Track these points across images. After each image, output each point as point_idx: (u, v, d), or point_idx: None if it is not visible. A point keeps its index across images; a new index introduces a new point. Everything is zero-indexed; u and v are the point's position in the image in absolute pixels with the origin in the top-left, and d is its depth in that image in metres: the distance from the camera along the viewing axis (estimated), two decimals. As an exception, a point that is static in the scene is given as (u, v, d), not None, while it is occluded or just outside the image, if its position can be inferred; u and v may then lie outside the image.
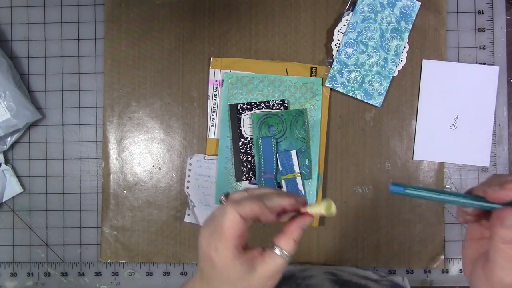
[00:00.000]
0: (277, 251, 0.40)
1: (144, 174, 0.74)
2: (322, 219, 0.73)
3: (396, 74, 0.72)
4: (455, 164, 0.74)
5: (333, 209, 0.42)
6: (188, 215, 0.74)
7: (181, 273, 0.75)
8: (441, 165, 0.73)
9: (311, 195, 0.71)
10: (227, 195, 0.43)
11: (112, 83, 0.75)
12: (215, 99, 0.73)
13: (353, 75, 0.72)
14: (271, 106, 0.72)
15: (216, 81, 0.73)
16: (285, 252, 0.40)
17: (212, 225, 0.40)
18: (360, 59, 0.72)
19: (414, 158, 0.73)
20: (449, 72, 0.73)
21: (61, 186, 0.75)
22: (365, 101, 0.72)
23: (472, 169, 0.74)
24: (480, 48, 0.74)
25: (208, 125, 0.74)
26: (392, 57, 0.72)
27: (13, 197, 0.75)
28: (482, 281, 0.37)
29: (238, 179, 0.72)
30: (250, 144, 0.72)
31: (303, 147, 0.71)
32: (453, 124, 0.73)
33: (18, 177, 0.75)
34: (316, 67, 0.73)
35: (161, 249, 0.74)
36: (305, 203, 0.43)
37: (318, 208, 0.42)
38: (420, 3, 0.71)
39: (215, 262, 0.39)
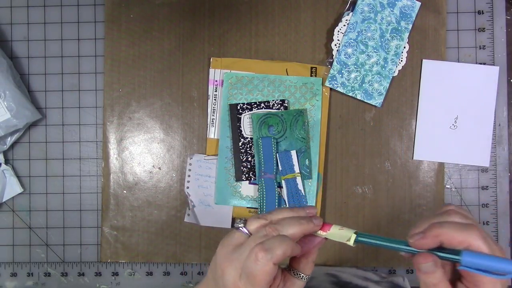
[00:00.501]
0: (298, 275, 0.41)
1: (144, 174, 0.74)
2: (322, 219, 0.73)
3: (396, 74, 0.72)
4: (455, 164, 0.74)
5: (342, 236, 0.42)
6: (188, 215, 0.74)
7: (181, 273, 0.75)
8: (441, 165, 0.73)
9: (311, 195, 0.71)
10: (245, 222, 0.43)
11: (112, 83, 0.75)
12: (215, 99, 0.73)
13: (353, 75, 0.72)
14: (271, 106, 0.72)
15: (216, 81, 0.73)
16: (305, 276, 0.41)
17: (237, 263, 0.39)
18: (360, 59, 0.72)
19: (414, 158, 0.73)
20: (449, 72, 0.73)
21: (61, 186, 0.75)
22: (365, 101, 0.72)
23: (472, 169, 0.74)
24: (480, 48, 0.74)
25: (208, 125, 0.74)
26: (392, 57, 0.72)
27: (13, 197, 0.75)
28: None
29: (238, 179, 0.72)
30: (250, 144, 0.72)
31: (303, 147, 0.71)
32: (453, 124, 0.73)
33: (18, 177, 0.75)
34: (316, 67, 0.73)
35: (161, 249, 0.74)
36: (321, 224, 0.43)
37: (340, 238, 0.42)
38: (420, 3, 0.71)
39: None
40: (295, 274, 0.41)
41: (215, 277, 0.41)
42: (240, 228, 0.42)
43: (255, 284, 0.38)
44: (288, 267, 0.42)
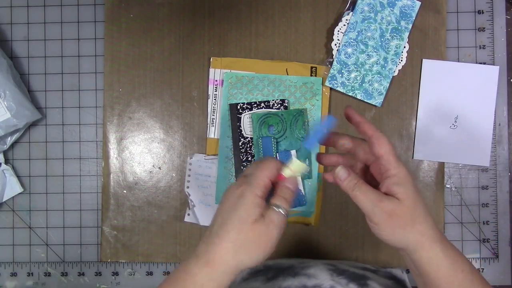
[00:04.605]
0: (274, 207, 0.44)
1: (144, 174, 0.74)
2: (322, 219, 0.73)
3: (396, 73, 0.72)
4: (455, 164, 0.74)
5: (304, 168, 0.47)
6: (188, 215, 0.74)
7: (181, 273, 0.75)
8: (441, 165, 0.73)
9: (311, 195, 0.71)
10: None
11: (112, 83, 0.75)
12: (215, 99, 0.73)
13: (353, 75, 0.72)
14: (271, 105, 0.72)
15: (216, 80, 0.73)
16: (280, 209, 0.44)
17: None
18: (360, 59, 0.72)
19: (414, 157, 0.73)
20: (449, 72, 0.73)
21: (61, 186, 0.75)
22: (365, 100, 0.72)
23: (472, 169, 0.74)
24: (480, 48, 0.74)
25: (208, 125, 0.74)
26: (392, 56, 0.72)
27: (13, 197, 0.75)
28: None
29: (238, 179, 0.72)
30: (250, 144, 0.72)
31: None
32: (453, 124, 0.73)
33: (18, 177, 0.75)
34: (316, 67, 0.73)
35: (161, 249, 0.74)
36: (281, 166, 0.47)
37: (291, 171, 0.47)
38: (420, 2, 0.72)
39: (241, 199, 0.43)
40: (275, 208, 0.45)
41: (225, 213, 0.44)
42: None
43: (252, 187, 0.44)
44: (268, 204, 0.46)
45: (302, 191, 0.71)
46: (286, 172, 0.47)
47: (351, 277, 0.59)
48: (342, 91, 0.72)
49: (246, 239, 0.42)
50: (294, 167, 0.47)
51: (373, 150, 0.45)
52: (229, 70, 0.73)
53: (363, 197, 0.44)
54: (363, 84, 0.72)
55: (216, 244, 0.43)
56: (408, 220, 0.43)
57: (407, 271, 0.74)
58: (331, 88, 0.73)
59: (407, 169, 0.44)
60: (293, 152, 0.71)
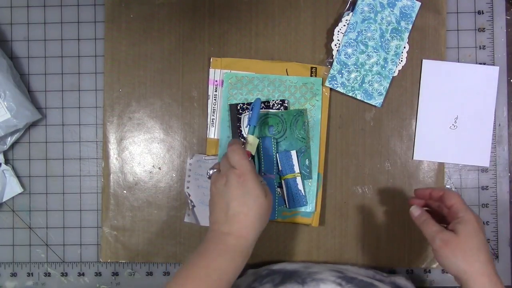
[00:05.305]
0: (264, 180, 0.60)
1: (144, 174, 0.74)
2: (322, 219, 0.73)
3: (396, 74, 0.72)
4: (455, 164, 0.74)
5: (257, 141, 0.65)
6: (188, 215, 0.74)
7: (181, 273, 0.75)
8: (441, 165, 0.73)
9: (311, 195, 0.71)
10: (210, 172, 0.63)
11: (112, 83, 0.75)
12: (215, 99, 0.73)
13: (353, 75, 0.72)
14: (271, 106, 0.72)
15: (216, 81, 0.73)
16: (263, 180, 0.59)
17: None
18: (360, 59, 0.72)
19: (414, 158, 0.73)
20: (449, 72, 0.73)
21: (61, 186, 0.75)
22: (365, 101, 0.72)
23: (472, 169, 0.74)
24: (480, 48, 0.74)
25: (208, 125, 0.74)
26: (392, 57, 0.72)
27: (13, 197, 0.75)
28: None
29: (238, 179, 0.72)
30: (250, 144, 0.72)
31: (303, 147, 0.71)
32: (453, 124, 0.73)
33: (18, 177, 0.75)
34: (316, 67, 0.73)
35: (161, 249, 0.74)
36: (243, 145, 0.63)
37: (250, 144, 0.64)
38: (420, 3, 0.72)
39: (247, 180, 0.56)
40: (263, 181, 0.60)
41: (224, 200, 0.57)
42: (211, 171, 0.61)
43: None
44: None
45: (302, 191, 0.71)
46: (248, 147, 0.64)
47: (359, 285, 0.60)
48: (342, 91, 0.72)
49: (264, 211, 0.56)
50: (251, 141, 0.64)
51: (446, 203, 0.57)
52: (229, 71, 0.73)
53: (428, 228, 0.56)
54: (363, 85, 0.72)
55: (242, 221, 0.55)
56: (460, 250, 0.52)
57: (411, 271, 0.74)
58: (331, 89, 0.73)
59: (473, 214, 0.55)
60: (293, 152, 0.71)
